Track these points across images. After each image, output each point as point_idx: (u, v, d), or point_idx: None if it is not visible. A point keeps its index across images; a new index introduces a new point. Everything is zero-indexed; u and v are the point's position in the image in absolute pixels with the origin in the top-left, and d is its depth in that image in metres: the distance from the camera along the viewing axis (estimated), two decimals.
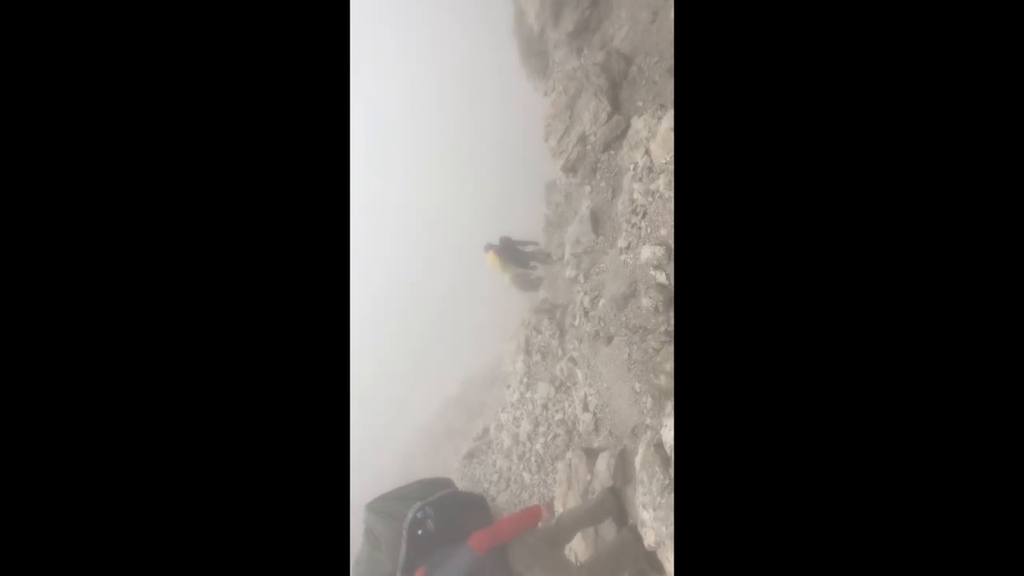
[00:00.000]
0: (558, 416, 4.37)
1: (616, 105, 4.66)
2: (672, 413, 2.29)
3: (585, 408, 3.83)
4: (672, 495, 2.06)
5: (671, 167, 2.97)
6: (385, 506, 2.13)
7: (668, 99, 3.79)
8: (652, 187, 3.03)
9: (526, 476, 4.57)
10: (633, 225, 3.19)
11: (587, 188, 4.92)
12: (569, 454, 3.71)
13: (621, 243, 3.37)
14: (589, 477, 3.31)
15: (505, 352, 6.82)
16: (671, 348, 2.75)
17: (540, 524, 2.29)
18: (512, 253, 6.67)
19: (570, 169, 5.14)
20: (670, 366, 2.69)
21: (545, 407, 4.65)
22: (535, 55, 8.33)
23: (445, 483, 2.36)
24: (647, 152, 3.33)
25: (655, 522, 2.10)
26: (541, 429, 4.58)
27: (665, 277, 2.73)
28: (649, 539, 2.17)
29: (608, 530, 2.79)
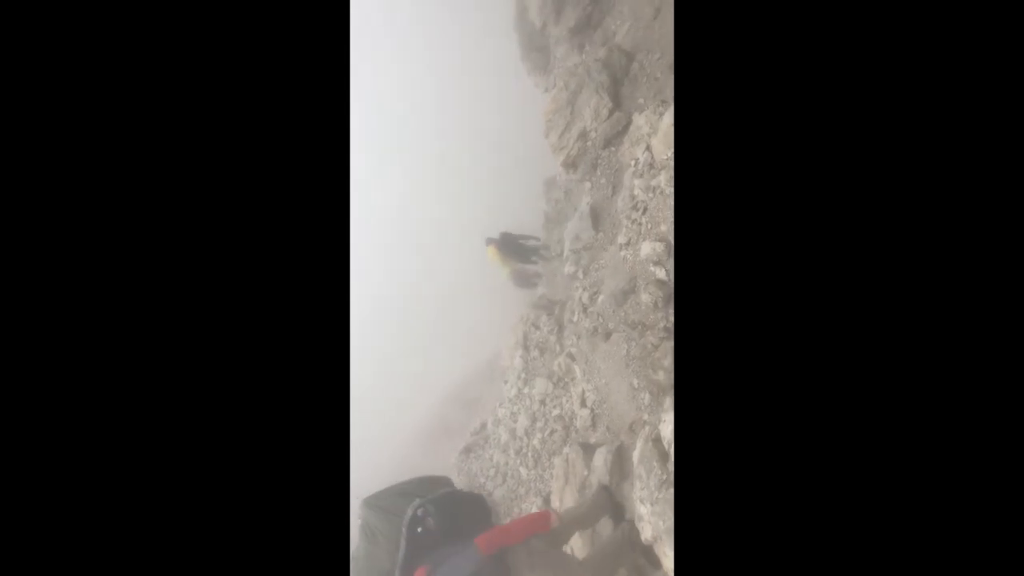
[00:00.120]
0: (555, 412, 4.38)
1: (617, 101, 4.65)
2: (670, 408, 2.30)
3: (583, 404, 3.84)
4: (669, 490, 2.06)
5: (672, 163, 2.97)
6: (383, 502, 2.10)
7: (670, 96, 3.79)
8: (653, 183, 3.03)
9: (523, 471, 4.57)
10: (633, 221, 3.19)
11: (587, 184, 4.91)
12: (566, 449, 3.71)
13: (621, 239, 3.37)
14: (586, 472, 3.32)
15: (503, 348, 6.82)
16: (669, 344, 2.75)
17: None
18: (513, 247, 6.67)
19: (570, 165, 5.13)
20: (668, 362, 2.70)
21: (543, 403, 4.66)
22: (536, 51, 8.31)
23: (444, 481, 2.34)
24: (648, 148, 3.33)
25: (652, 517, 2.11)
26: (538, 425, 4.59)
27: (664, 273, 2.74)
28: (646, 533, 2.18)
29: (605, 526, 2.80)
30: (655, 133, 3.33)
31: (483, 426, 6.71)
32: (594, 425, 3.66)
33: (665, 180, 2.91)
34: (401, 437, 11.37)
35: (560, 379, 4.55)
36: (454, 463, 6.43)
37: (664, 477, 2.12)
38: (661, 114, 3.46)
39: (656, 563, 2.23)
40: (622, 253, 3.34)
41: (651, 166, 3.22)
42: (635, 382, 3.02)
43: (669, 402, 2.37)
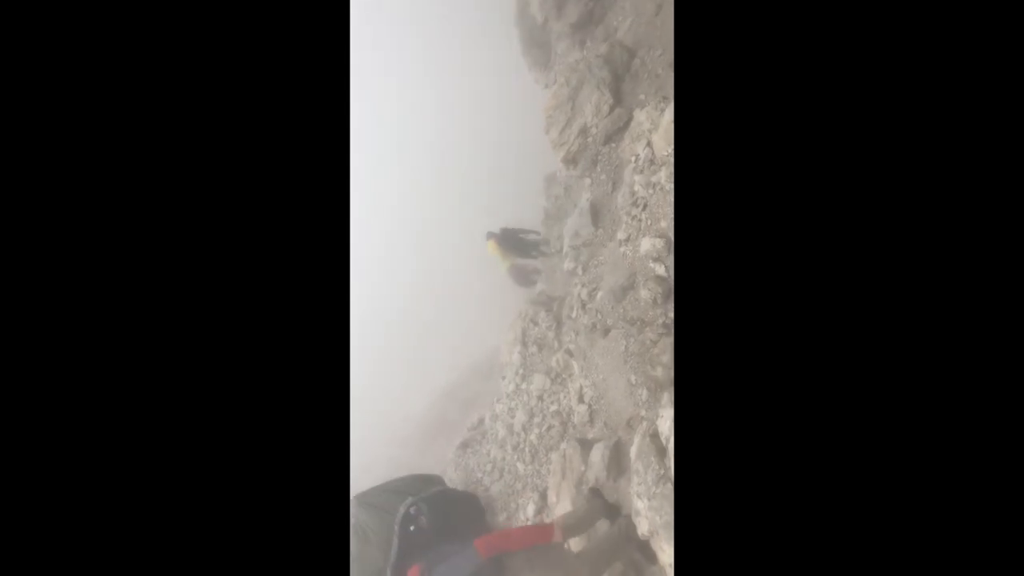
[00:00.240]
0: (553, 407, 4.39)
1: (618, 98, 4.64)
2: (668, 404, 2.30)
3: (580, 400, 3.84)
4: (666, 485, 2.07)
5: (673, 159, 2.96)
6: (375, 499, 2.07)
7: (671, 92, 3.78)
8: (653, 179, 3.03)
9: (520, 466, 4.58)
10: (633, 217, 3.19)
11: (587, 180, 4.91)
12: (563, 445, 3.72)
13: (620, 235, 3.37)
14: (583, 468, 3.32)
15: (501, 344, 6.82)
16: (668, 340, 2.75)
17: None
18: (513, 242, 6.65)
19: (570, 161, 5.12)
20: (666, 358, 2.70)
21: (540, 398, 4.66)
22: (537, 46, 8.28)
23: (436, 480, 2.31)
24: (649, 144, 3.32)
25: (649, 512, 2.11)
26: (536, 420, 4.60)
27: (664, 269, 2.74)
28: (643, 528, 2.18)
29: (601, 521, 2.80)
30: (656, 129, 3.32)
31: (480, 421, 6.71)
32: (591, 421, 3.67)
33: (665, 176, 2.91)
34: (398, 433, 11.39)
35: (558, 375, 4.55)
36: (451, 458, 6.44)
37: (661, 472, 2.12)
38: (662, 110, 3.45)
39: (652, 558, 2.24)
40: (621, 249, 3.33)
41: (652, 162, 3.21)
42: (633, 378, 3.02)
43: (667, 398, 2.37)
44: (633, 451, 2.45)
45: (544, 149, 5.75)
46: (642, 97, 4.28)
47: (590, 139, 4.80)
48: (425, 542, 1.96)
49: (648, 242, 2.85)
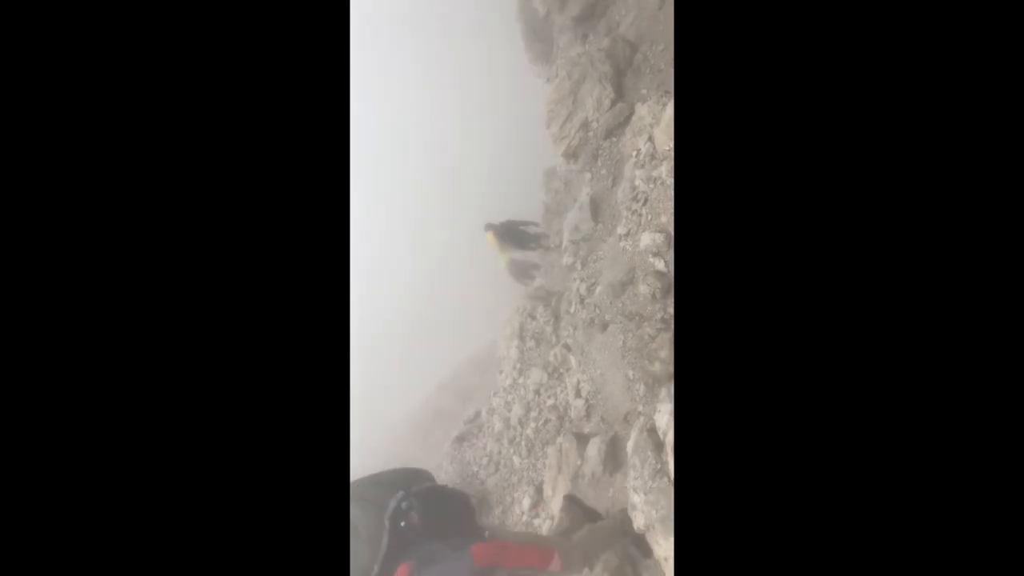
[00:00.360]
0: (550, 402, 4.39)
1: (620, 92, 4.62)
2: (665, 399, 2.30)
3: (577, 394, 3.85)
4: (663, 479, 2.07)
5: (673, 154, 2.96)
6: (363, 491, 1.98)
7: (673, 87, 3.77)
8: (654, 174, 3.02)
9: (516, 460, 4.59)
10: (633, 212, 3.18)
11: (587, 175, 4.90)
12: (560, 439, 3.73)
13: (620, 230, 3.37)
14: (579, 462, 3.33)
15: (499, 338, 6.82)
16: (666, 335, 2.75)
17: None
18: (513, 235, 6.58)
19: (571, 155, 5.11)
20: (664, 353, 2.70)
21: (537, 392, 4.67)
22: (539, 40, 8.25)
23: (425, 475, 2.23)
24: (650, 139, 3.31)
25: (646, 505, 2.11)
26: (532, 414, 4.60)
27: (664, 264, 2.73)
28: (639, 522, 2.19)
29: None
30: (657, 124, 3.31)
31: (477, 415, 6.72)
32: (588, 415, 3.67)
33: (666, 171, 2.90)
34: (395, 425, 11.41)
35: (555, 369, 4.55)
36: (447, 451, 6.45)
37: (658, 467, 2.13)
38: (664, 104, 3.43)
39: (648, 552, 2.24)
40: (621, 244, 3.33)
41: (653, 157, 3.20)
42: (631, 373, 3.02)
43: (664, 393, 2.37)
44: (630, 446, 2.46)
45: (545, 143, 5.74)
46: (644, 92, 4.26)
47: (591, 133, 4.78)
48: (414, 539, 1.88)
49: (648, 237, 2.85)
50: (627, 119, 4.33)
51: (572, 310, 4.32)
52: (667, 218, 2.80)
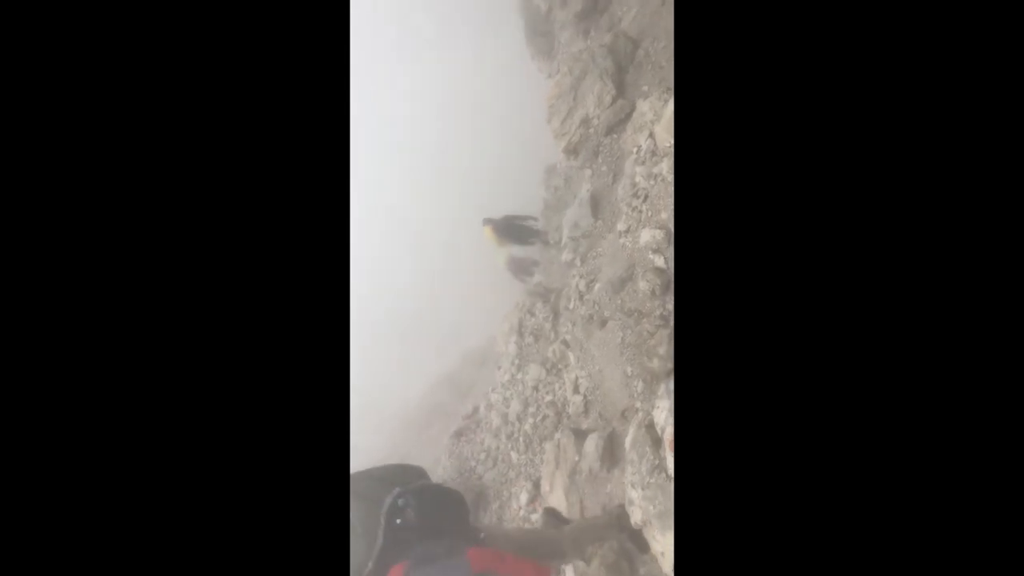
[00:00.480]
0: (548, 398, 4.40)
1: (621, 89, 4.61)
2: (663, 395, 2.30)
3: (576, 390, 3.85)
4: (660, 475, 2.08)
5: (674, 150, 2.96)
6: (359, 487, 1.94)
7: (674, 83, 3.76)
8: (655, 170, 3.02)
9: (514, 456, 4.60)
10: (633, 208, 3.18)
11: (588, 171, 4.89)
12: (558, 435, 3.73)
13: (620, 226, 3.37)
14: (577, 458, 3.34)
15: (497, 334, 6.82)
16: (665, 332, 2.76)
17: None
18: (511, 229, 6.53)
19: (571, 152, 5.10)
20: (663, 350, 2.71)
21: (536, 388, 4.67)
22: (540, 36, 8.22)
23: (419, 471, 2.21)
24: (651, 135, 3.31)
25: (643, 501, 2.12)
26: (531, 410, 4.61)
27: (663, 261, 2.74)
28: (636, 518, 2.20)
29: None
30: (658, 120, 3.31)
31: (475, 410, 6.73)
32: (586, 411, 3.68)
33: (667, 167, 2.90)
34: (393, 420, 11.42)
35: (554, 365, 4.56)
36: (445, 446, 6.46)
37: (656, 462, 2.13)
38: (665, 101, 3.43)
39: (644, 547, 2.25)
40: (621, 240, 3.33)
41: (653, 153, 3.20)
42: (629, 369, 3.03)
43: (663, 389, 2.38)
44: (628, 441, 2.46)
45: (545, 139, 5.73)
46: (645, 88, 4.25)
47: (592, 129, 4.78)
48: (409, 536, 1.87)
49: (648, 233, 2.85)
50: (628, 115, 4.33)
51: (571, 306, 4.32)
52: (667, 215, 2.80)
